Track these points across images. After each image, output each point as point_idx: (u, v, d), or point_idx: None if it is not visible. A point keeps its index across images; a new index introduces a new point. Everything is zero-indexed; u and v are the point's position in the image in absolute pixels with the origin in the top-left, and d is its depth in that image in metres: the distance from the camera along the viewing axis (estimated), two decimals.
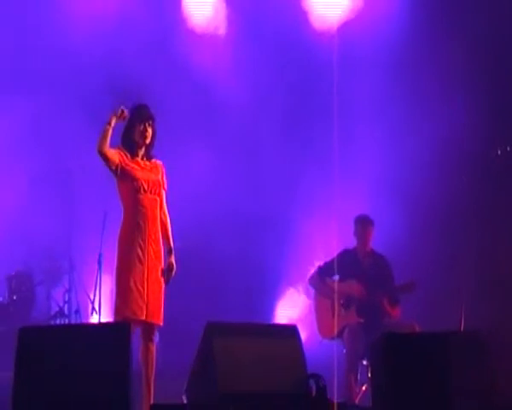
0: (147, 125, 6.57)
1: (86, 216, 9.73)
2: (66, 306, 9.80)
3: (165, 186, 6.73)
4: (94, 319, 9.32)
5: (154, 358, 6.56)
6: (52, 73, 9.83)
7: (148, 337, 6.54)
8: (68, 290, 9.83)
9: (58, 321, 9.63)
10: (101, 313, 9.23)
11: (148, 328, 6.53)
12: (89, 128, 9.63)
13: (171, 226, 6.71)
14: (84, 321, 9.53)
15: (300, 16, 10.04)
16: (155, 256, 6.53)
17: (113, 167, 6.49)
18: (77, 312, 9.71)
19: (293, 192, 10.03)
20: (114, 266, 6.54)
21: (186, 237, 9.21)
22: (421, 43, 9.74)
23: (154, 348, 6.57)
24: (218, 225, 10.05)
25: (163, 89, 9.60)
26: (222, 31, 10.23)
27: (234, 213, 10.03)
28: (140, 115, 6.59)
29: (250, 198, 9.93)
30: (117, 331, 5.59)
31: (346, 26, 9.84)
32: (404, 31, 9.65)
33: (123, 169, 6.52)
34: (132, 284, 6.40)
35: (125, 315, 6.37)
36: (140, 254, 6.47)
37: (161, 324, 6.54)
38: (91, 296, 9.43)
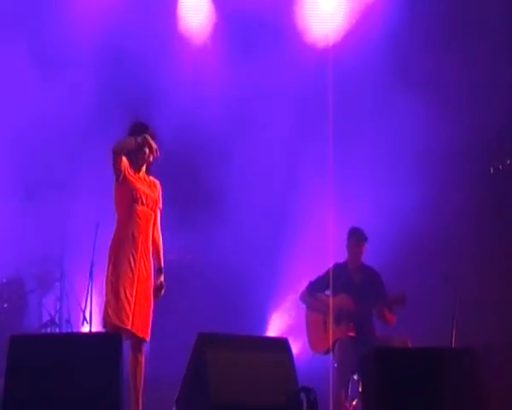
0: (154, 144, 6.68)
1: (78, 225, 9.71)
2: (57, 315, 9.77)
3: (161, 205, 6.80)
4: (85, 329, 9.30)
5: (143, 370, 6.57)
6: (47, 84, 9.82)
7: (136, 349, 6.55)
8: (60, 299, 9.81)
9: (49, 330, 9.60)
10: (92, 323, 9.21)
11: (138, 341, 6.54)
12: (82, 142, 9.76)
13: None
14: (74, 330, 9.50)
15: (296, 32, 10.06)
16: (145, 269, 6.58)
17: (120, 171, 6.54)
18: (68, 321, 9.69)
19: (287, 205, 10.03)
20: (105, 274, 6.56)
21: (180, 249, 9.25)
22: (418, 58, 9.76)
23: (142, 359, 6.58)
24: (211, 236, 10.04)
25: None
26: (215, 47, 10.25)
27: (227, 224, 10.01)
28: (148, 134, 6.65)
29: (243, 209, 9.94)
30: (108, 341, 5.58)
31: (341, 42, 9.86)
32: (400, 44, 9.68)
33: (125, 177, 6.58)
34: (122, 292, 6.42)
35: (113, 323, 6.40)
36: (132, 263, 6.50)
37: (147, 339, 6.56)
38: (82, 306, 9.41)
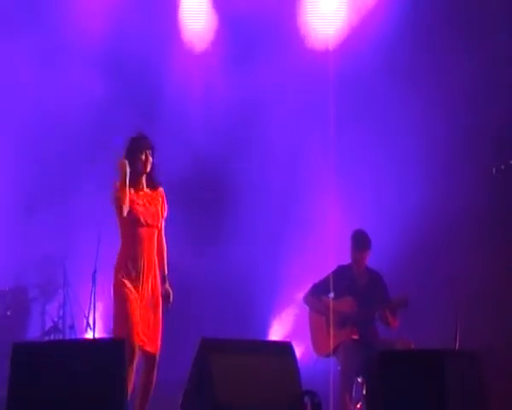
0: (148, 153, 6.65)
1: (81, 231, 9.71)
2: (60, 321, 9.77)
3: (165, 213, 6.82)
4: (88, 335, 9.30)
5: (153, 386, 6.65)
6: (50, 86, 9.82)
7: (149, 368, 6.63)
8: (63, 306, 9.80)
9: (52, 336, 9.60)
10: (96, 329, 9.21)
11: (148, 358, 6.62)
12: (84, 147, 9.76)
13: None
14: (78, 337, 9.50)
15: (297, 32, 10.06)
16: (151, 286, 6.62)
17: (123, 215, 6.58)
18: (71, 327, 9.68)
19: (288, 207, 10.03)
20: (111, 293, 6.65)
21: (181, 253, 9.22)
22: (421, 57, 9.75)
23: (154, 377, 6.65)
24: (211, 238, 10.04)
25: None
26: (215, 49, 10.25)
27: (227, 227, 10.01)
28: (139, 146, 6.65)
29: (243, 211, 9.94)
30: (112, 347, 5.57)
31: (343, 42, 9.85)
32: (402, 45, 9.69)
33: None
34: (126, 313, 6.48)
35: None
36: (136, 282, 6.56)
37: (156, 353, 6.61)
38: (86, 312, 9.41)
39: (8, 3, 9.94)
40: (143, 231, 6.61)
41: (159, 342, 6.62)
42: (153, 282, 6.63)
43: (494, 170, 8.10)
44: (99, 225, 8.99)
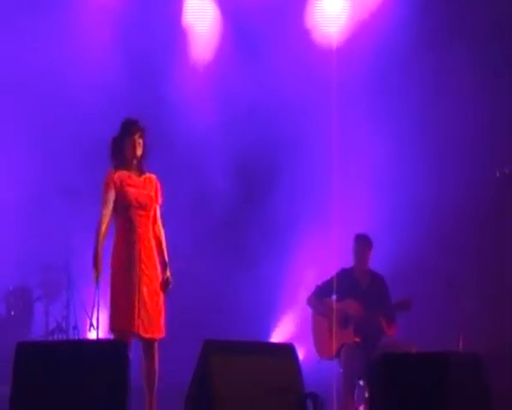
0: (137, 137, 6.62)
1: (84, 231, 9.71)
2: (64, 321, 9.78)
3: (160, 200, 6.77)
4: (92, 335, 9.30)
5: (156, 374, 6.63)
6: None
7: (148, 352, 6.60)
8: (66, 306, 9.81)
9: (56, 337, 9.61)
10: (100, 329, 9.21)
11: (148, 344, 6.59)
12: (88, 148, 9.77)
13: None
14: (82, 337, 9.51)
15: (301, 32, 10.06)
16: (149, 271, 6.59)
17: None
18: (75, 328, 9.68)
19: (291, 208, 10.02)
20: (109, 283, 6.68)
21: (183, 255, 9.24)
22: (422, 59, 9.75)
23: (155, 364, 6.63)
24: (214, 239, 10.04)
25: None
26: (220, 49, 10.25)
27: (230, 228, 10.02)
28: (128, 130, 6.64)
29: (247, 213, 9.94)
30: (115, 348, 5.58)
31: (347, 41, 9.86)
32: (405, 46, 9.69)
33: (117, 189, 6.58)
34: (125, 298, 6.52)
35: (118, 328, 6.56)
36: (132, 268, 6.55)
37: (162, 335, 6.62)
38: (89, 312, 9.41)
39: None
40: (136, 215, 6.58)
41: (158, 329, 6.60)
42: (150, 269, 6.60)
43: (498, 173, 8.11)
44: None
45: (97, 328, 9.21)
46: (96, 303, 9.21)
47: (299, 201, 10.01)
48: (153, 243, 6.65)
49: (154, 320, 6.57)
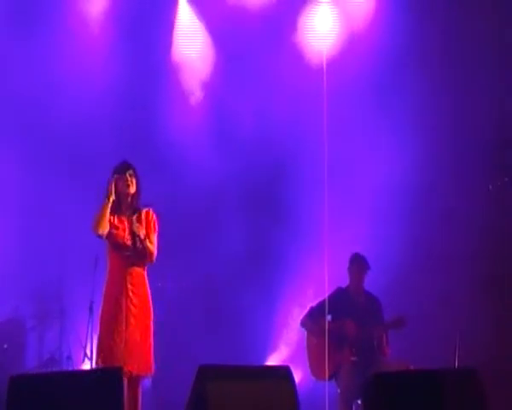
0: (127, 175, 6.77)
1: (77, 260, 9.69)
2: (57, 352, 9.72)
3: (155, 229, 6.87)
4: (86, 366, 9.26)
5: (140, 407, 6.71)
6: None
7: (132, 386, 6.67)
8: (60, 336, 9.76)
9: (50, 368, 9.55)
10: (94, 359, 9.16)
11: (133, 378, 6.66)
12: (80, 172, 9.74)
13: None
14: (76, 367, 9.46)
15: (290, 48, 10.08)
16: (136, 308, 6.72)
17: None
18: (69, 358, 9.63)
19: (285, 228, 10.00)
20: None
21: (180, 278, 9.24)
22: (415, 72, 9.78)
23: (139, 396, 6.73)
24: (210, 262, 10.02)
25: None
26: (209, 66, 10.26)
27: (226, 247, 9.99)
28: (118, 170, 6.81)
29: (242, 233, 9.92)
30: (109, 377, 5.55)
31: (336, 58, 9.88)
32: (394, 63, 9.73)
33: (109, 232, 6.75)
34: (110, 337, 6.68)
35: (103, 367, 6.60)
36: (118, 306, 6.70)
37: (147, 374, 6.76)
38: (83, 342, 9.37)
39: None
40: (123, 255, 6.74)
41: (149, 363, 6.68)
42: (137, 307, 6.72)
43: (491, 186, 8.13)
44: (96, 252, 9.02)
45: (91, 358, 9.19)
46: (90, 333, 9.21)
47: (292, 220, 9.99)
48: (144, 278, 6.78)
49: (143, 357, 6.68)
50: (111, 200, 6.69)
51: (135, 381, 6.67)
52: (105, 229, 6.69)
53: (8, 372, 5.91)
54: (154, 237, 6.85)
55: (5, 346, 9.54)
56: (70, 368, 9.42)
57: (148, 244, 6.78)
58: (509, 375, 8.85)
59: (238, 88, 9.95)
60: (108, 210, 6.70)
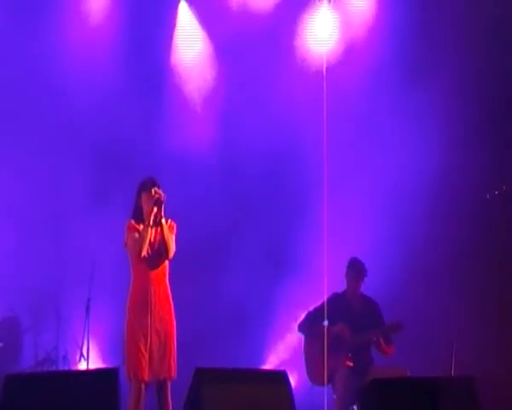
0: (153, 191, 7.05)
1: (74, 260, 9.68)
2: (53, 352, 9.70)
3: (173, 232, 7.16)
4: (82, 366, 9.25)
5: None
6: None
7: (160, 390, 6.90)
8: (56, 336, 9.74)
9: (46, 368, 9.53)
10: (90, 359, 9.16)
11: (159, 383, 6.90)
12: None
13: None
14: (72, 367, 9.44)
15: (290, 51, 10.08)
16: (161, 317, 6.97)
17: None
18: (64, 358, 9.62)
19: (283, 235, 9.99)
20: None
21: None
22: (413, 80, 9.78)
23: (168, 399, 6.90)
24: (210, 264, 10.01)
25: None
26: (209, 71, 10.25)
27: (223, 252, 9.97)
28: (145, 187, 7.10)
29: (241, 239, 9.91)
30: (104, 377, 5.55)
31: (336, 63, 9.87)
32: (395, 71, 9.73)
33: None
34: (136, 347, 6.85)
35: (132, 377, 6.83)
36: (143, 317, 6.91)
37: (171, 377, 6.91)
38: (79, 342, 9.36)
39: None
40: (151, 265, 7.01)
41: (172, 367, 6.91)
42: (161, 315, 6.97)
43: (488, 195, 8.13)
44: (94, 253, 9.02)
45: (87, 358, 9.17)
46: (86, 333, 9.20)
47: (289, 225, 9.97)
48: (166, 287, 7.06)
49: (166, 363, 6.90)
50: (151, 224, 7.00)
51: (162, 386, 6.90)
52: (146, 250, 6.99)
53: (4, 372, 5.90)
54: (173, 237, 7.13)
55: (1, 345, 9.53)
56: (66, 368, 9.41)
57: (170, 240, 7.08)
58: (505, 383, 8.84)
59: (238, 92, 9.94)
60: (149, 234, 6.97)
